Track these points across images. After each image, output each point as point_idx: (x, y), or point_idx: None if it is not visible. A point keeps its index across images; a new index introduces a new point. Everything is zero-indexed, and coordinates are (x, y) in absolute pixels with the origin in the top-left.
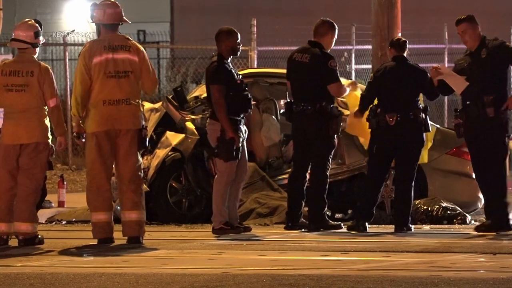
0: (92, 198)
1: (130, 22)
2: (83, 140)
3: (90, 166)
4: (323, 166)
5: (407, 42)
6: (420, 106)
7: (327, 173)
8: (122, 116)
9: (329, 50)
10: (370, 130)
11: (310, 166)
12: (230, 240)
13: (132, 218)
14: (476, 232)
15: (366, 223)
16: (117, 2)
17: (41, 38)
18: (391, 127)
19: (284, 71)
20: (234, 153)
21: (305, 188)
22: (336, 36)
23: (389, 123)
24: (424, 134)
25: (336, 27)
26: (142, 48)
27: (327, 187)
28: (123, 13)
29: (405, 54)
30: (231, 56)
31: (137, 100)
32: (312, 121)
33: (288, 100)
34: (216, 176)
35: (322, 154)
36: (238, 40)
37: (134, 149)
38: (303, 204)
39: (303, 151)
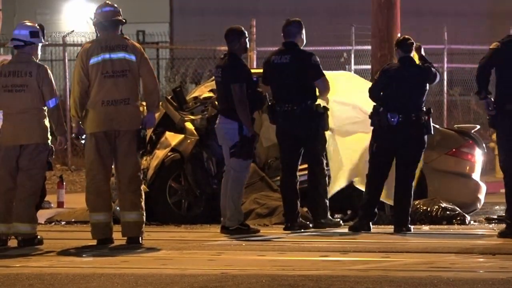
0: (91, 199)
1: (125, 22)
2: (82, 141)
3: (89, 166)
4: (321, 163)
5: (412, 41)
6: (424, 108)
7: (325, 169)
8: (120, 117)
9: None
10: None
11: (307, 165)
12: (229, 240)
13: (131, 218)
14: (501, 238)
15: (370, 223)
16: (112, 3)
17: (39, 39)
18: (392, 127)
19: None
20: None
21: (297, 187)
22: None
23: (390, 123)
24: (426, 136)
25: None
26: (140, 48)
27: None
28: (120, 13)
29: (411, 54)
30: (242, 55)
31: (136, 100)
32: (300, 121)
33: (270, 103)
34: (232, 175)
35: (317, 152)
36: (247, 39)
37: (133, 150)
38: (299, 203)
39: (291, 152)
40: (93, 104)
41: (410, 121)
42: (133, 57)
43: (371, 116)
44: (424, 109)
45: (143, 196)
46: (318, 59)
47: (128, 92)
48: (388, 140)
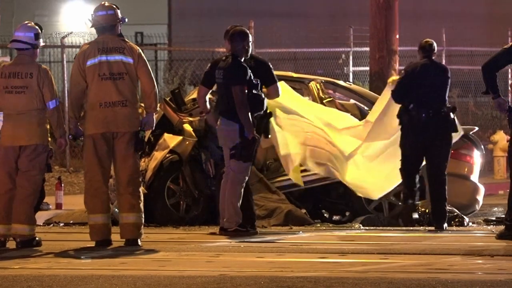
0: (89, 200)
1: (124, 21)
2: (81, 142)
3: (88, 168)
4: None
5: (433, 44)
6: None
7: None
8: (118, 119)
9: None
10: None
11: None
12: (227, 242)
13: (130, 220)
14: (500, 240)
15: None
16: (109, 4)
17: (41, 40)
18: (423, 123)
19: (283, 73)
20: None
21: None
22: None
23: (421, 119)
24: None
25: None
26: (138, 50)
27: None
28: (117, 15)
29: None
30: (243, 57)
31: (134, 102)
32: (258, 125)
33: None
34: (231, 177)
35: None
36: (250, 42)
37: (131, 152)
38: None
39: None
40: (91, 106)
41: (439, 117)
42: (130, 60)
43: (400, 115)
44: (449, 106)
45: (142, 198)
46: None
47: (125, 94)
48: (419, 136)
